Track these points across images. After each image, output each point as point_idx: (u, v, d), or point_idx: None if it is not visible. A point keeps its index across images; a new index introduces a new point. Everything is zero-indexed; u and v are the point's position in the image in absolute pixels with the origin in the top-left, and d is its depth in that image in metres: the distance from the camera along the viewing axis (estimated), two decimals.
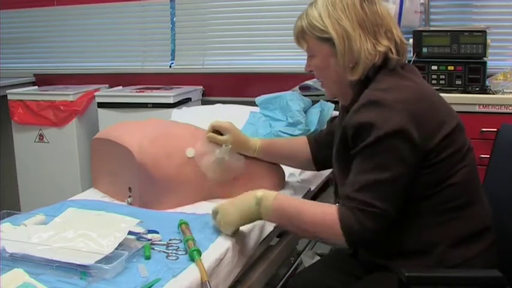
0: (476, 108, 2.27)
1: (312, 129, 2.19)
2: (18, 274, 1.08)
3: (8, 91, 3.33)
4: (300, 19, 1.44)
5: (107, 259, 1.13)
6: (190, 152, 1.60)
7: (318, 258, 2.03)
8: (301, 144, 1.71)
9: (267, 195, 1.35)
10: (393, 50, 1.37)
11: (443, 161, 1.28)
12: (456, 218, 1.30)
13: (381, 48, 1.35)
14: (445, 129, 1.29)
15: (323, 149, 1.64)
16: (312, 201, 1.51)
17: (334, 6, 1.38)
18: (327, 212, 1.29)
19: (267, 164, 1.72)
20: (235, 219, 1.35)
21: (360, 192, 1.25)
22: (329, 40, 1.37)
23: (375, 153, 1.25)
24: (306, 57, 1.46)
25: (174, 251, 1.24)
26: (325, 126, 1.77)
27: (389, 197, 1.25)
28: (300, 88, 2.50)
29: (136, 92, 3.13)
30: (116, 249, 1.17)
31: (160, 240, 1.30)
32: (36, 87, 3.55)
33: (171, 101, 2.96)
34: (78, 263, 1.10)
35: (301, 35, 1.44)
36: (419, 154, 1.26)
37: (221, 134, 1.66)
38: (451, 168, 1.29)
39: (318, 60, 1.42)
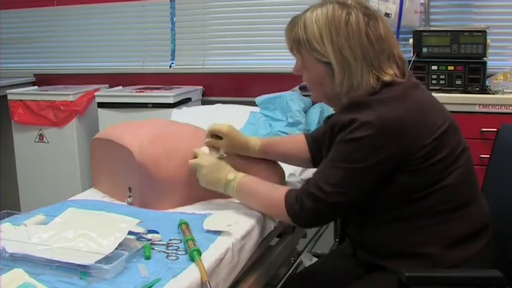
0: (476, 108, 2.27)
1: (312, 129, 2.19)
2: (18, 274, 1.08)
3: (8, 91, 3.33)
4: (297, 27, 1.36)
5: (107, 259, 1.13)
6: (206, 149, 1.57)
7: (316, 259, 2.03)
8: (300, 143, 1.70)
9: (234, 179, 1.48)
10: (398, 74, 1.32)
11: (434, 164, 1.27)
12: (451, 219, 1.30)
13: (386, 78, 1.30)
14: (434, 135, 1.27)
15: (321, 147, 1.63)
16: (268, 183, 1.51)
17: (338, 31, 1.30)
18: (276, 191, 1.42)
19: (267, 165, 1.72)
20: (203, 184, 1.52)
21: (317, 174, 1.34)
22: (328, 63, 1.32)
23: (345, 149, 1.28)
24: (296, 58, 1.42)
25: (174, 251, 1.24)
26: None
27: (340, 185, 1.28)
28: (300, 88, 2.50)
29: (137, 92, 3.13)
30: (116, 249, 1.17)
31: (160, 240, 1.29)
32: (36, 87, 3.55)
33: (171, 101, 2.96)
34: (78, 263, 1.10)
35: (297, 47, 1.38)
36: (391, 161, 1.26)
37: (220, 138, 1.61)
38: (444, 170, 1.28)
39: (312, 75, 1.39)
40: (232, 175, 1.50)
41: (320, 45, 1.31)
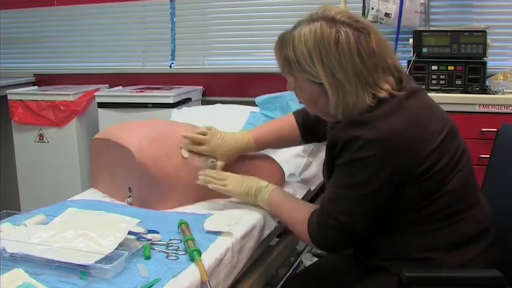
0: (476, 108, 2.26)
1: None
2: (18, 274, 1.08)
3: (8, 91, 3.33)
4: (285, 48, 1.30)
5: (107, 259, 1.13)
6: (185, 153, 1.59)
7: (316, 259, 2.03)
8: (291, 127, 1.69)
9: (265, 188, 1.51)
10: (395, 85, 1.28)
11: (437, 172, 1.26)
12: (453, 223, 1.29)
13: (382, 94, 1.26)
14: (434, 144, 1.25)
15: (311, 124, 1.64)
16: (295, 202, 1.51)
17: (328, 53, 1.24)
18: (300, 217, 1.39)
19: (268, 164, 1.72)
20: (236, 196, 1.56)
21: (330, 202, 1.31)
22: (321, 84, 1.28)
23: (351, 171, 1.26)
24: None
25: (174, 251, 1.25)
26: None
27: (356, 213, 1.27)
28: None
29: (137, 92, 3.12)
30: (116, 249, 1.17)
31: (160, 240, 1.30)
32: (36, 87, 3.55)
33: (171, 101, 2.96)
34: (78, 263, 1.11)
35: (288, 69, 1.33)
36: (398, 177, 1.24)
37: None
38: (446, 176, 1.27)
39: (306, 95, 1.35)
40: (265, 183, 1.52)
41: (311, 67, 1.27)
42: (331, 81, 1.26)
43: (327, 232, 1.31)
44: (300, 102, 1.42)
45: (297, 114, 1.71)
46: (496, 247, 1.35)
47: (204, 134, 1.62)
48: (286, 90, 1.40)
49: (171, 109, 2.71)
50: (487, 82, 2.39)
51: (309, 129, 1.67)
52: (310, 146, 1.96)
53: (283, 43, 1.32)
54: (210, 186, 1.54)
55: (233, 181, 1.55)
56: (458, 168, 1.29)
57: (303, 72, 1.29)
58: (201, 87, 3.27)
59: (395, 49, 2.64)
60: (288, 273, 1.89)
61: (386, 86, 1.27)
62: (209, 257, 1.25)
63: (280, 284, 1.77)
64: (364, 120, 1.24)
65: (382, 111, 1.25)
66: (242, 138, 1.65)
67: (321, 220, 1.32)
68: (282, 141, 1.73)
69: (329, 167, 1.36)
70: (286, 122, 1.72)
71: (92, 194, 1.72)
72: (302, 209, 1.43)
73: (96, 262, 1.11)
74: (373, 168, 1.23)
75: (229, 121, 2.18)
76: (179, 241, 1.30)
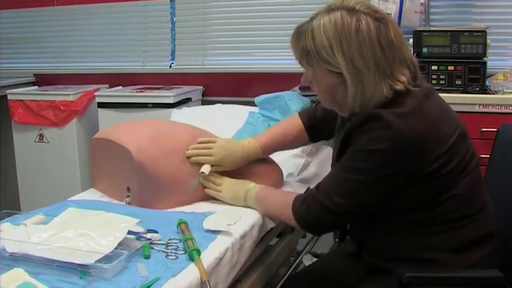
0: (476, 108, 2.26)
1: None
2: (18, 273, 1.08)
3: (8, 91, 3.33)
4: (304, 38, 1.29)
5: (107, 258, 1.13)
6: (206, 169, 1.58)
7: (316, 259, 2.03)
8: (298, 130, 1.70)
9: (252, 189, 1.53)
10: (410, 79, 1.28)
11: (446, 174, 1.26)
12: (460, 226, 1.29)
13: (399, 87, 1.25)
14: (445, 146, 1.25)
15: (318, 123, 1.66)
16: (280, 191, 1.59)
17: (348, 41, 1.23)
18: (287, 196, 1.44)
19: (266, 164, 1.72)
20: (228, 200, 1.57)
21: (328, 180, 1.33)
22: (340, 74, 1.27)
23: (360, 158, 1.26)
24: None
25: (174, 251, 1.25)
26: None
27: (352, 197, 1.28)
28: (299, 88, 2.50)
29: (137, 92, 3.12)
30: (115, 248, 1.17)
31: (159, 240, 1.30)
32: (36, 87, 3.55)
33: (171, 101, 2.95)
34: (78, 262, 1.11)
35: (306, 59, 1.32)
36: (404, 175, 1.25)
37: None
38: (454, 179, 1.28)
39: (324, 86, 1.34)
40: (252, 184, 1.55)
41: (331, 57, 1.26)
42: (351, 70, 1.25)
43: (311, 207, 1.33)
44: (316, 95, 1.42)
45: (302, 115, 1.71)
46: (499, 251, 1.35)
47: (210, 148, 1.61)
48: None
49: (171, 109, 2.71)
50: (487, 82, 2.39)
51: (315, 128, 1.67)
52: (309, 146, 1.96)
53: (301, 34, 1.31)
54: (206, 190, 1.59)
55: (226, 187, 1.57)
56: (467, 171, 1.29)
57: (322, 62, 1.29)
58: (201, 87, 3.27)
59: None
60: (288, 273, 1.89)
61: (403, 78, 1.27)
62: (209, 256, 1.25)
63: (280, 284, 1.76)
64: (382, 114, 1.23)
65: (403, 110, 1.24)
66: (249, 146, 1.64)
67: (311, 196, 1.34)
68: (289, 144, 1.74)
69: (339, 158, 1.35)
70: (293, 124, 1.72)
71: (92, 194, 1.72)
72: (288, 195, 1.47)
73: (96, 261, 1.11)
74: (382, 160, 1.23)
75: (229, 121, 2.18)
76: (179, 240, 1.30)
